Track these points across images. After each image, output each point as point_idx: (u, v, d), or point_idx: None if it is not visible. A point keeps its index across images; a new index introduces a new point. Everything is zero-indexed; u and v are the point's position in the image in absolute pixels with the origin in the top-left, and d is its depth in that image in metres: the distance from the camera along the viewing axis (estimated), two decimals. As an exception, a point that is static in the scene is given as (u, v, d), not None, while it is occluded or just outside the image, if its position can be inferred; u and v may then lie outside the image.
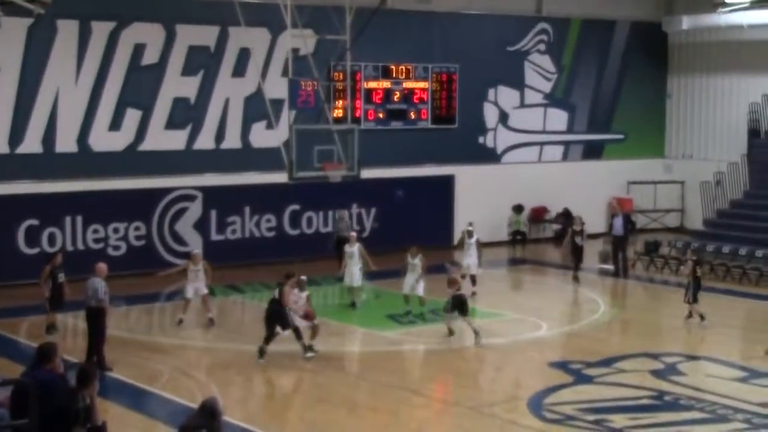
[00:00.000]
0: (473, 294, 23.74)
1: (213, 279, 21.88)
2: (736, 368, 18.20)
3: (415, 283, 21.62)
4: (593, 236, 32.73)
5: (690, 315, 21.48)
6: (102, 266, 17.96)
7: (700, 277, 21.70)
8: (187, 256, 25.63)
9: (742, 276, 26.28)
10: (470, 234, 24.18)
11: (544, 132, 33.95)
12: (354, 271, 22.60)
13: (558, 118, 34.17)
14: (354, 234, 23.94)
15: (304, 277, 18.81)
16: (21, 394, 9.80)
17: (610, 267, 27.43)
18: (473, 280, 23.95)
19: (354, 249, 22.83)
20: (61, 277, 19.79)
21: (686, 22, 34.40)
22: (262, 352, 18.10)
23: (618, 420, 15.08)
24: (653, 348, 19.49)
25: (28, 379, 9.68)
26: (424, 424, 15.18)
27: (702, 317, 21.23)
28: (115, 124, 26.54)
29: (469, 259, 24.05)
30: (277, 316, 18.11)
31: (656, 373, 17.65)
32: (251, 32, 24.92)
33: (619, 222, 27.58)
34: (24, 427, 9.26)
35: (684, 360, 18.61)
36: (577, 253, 26.11)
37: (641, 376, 17.47)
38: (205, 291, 21.22)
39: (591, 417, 15.22)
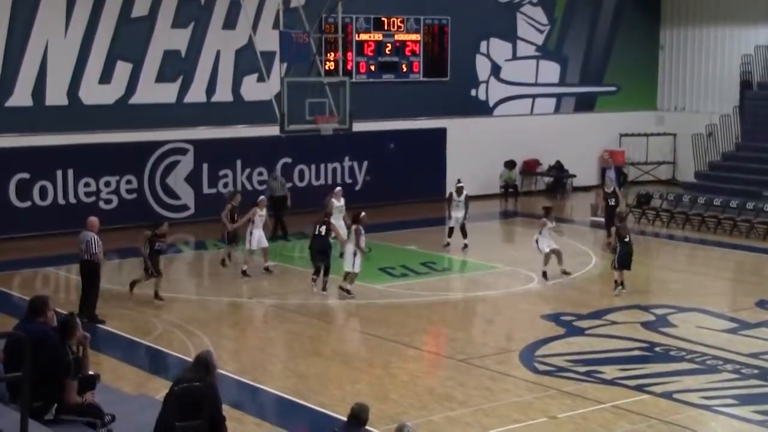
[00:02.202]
0: (465, 246, 23.80)
1: (206, 232, 21.84)
2: (726, 319, 18.32)
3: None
4: (585, 188, 32.89)
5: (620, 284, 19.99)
6: (93, 220, 17.93)
7: (630, 242, 20.31)
8: (178, 209, 25.75)
9: (733, 228, 26.37)
10: (459, 191, 24.08)
11: (536, 84, 33.86)
12: (341, 224, 22.37)
13: (550, 71, 34.05)
14: (340, 188, 23.94)
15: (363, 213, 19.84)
16: (14, 348, 9.82)
17: (601, 219, 27.44)
18: (464, 232, 23.97)
19: (342, 203, 22.80)
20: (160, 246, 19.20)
21: (679, -28, 34.28)
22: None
23: (609, 371, 15.20)
24: (644, 300, 19.60)
25: (21, 333, 9.69)
26: (416, 376, 15.25)
27: (621, 285, 19.97)
28: (106, 77, 26.39)
29: (458, 213, 24.05)
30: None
31: (647, 325, 17.76)
32: (242, -16, 24.79)
33: (611, 175, 27.57)
34: (17, 380, 9.27)
35: (674, 312, 18.70)
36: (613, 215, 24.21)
37: (632, 328, 17.59)
38: (266, 244, 21.61)
39: (582, 368, 15.34)
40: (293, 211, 25.35)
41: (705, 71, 34.89)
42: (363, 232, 19.41)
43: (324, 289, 19.78)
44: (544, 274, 21.07)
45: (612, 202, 24.65)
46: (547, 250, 21.15)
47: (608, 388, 14.46)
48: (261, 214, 21.65)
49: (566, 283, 21.01)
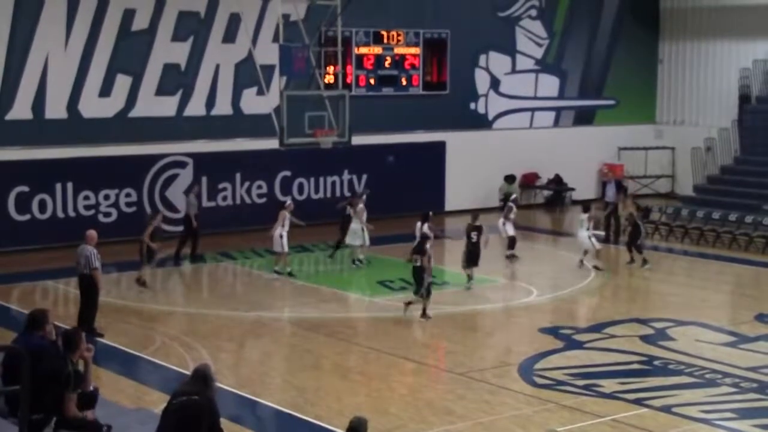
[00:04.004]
0: (514, 257, 24.41)
1: (204, 246, 21.89)
2: (724, 333, 18.32)
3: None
4: (584, 202, 32.83)
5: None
6: (92, 233, 17.91)
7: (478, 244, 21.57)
8: (177, 222, 25.73)
9: (731, 241, 26.38)
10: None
11: (535, 98, 33.89)
12: (357, 228, 23.38)
13: (549, 84, 34.09)
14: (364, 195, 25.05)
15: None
16: (13, 361, 9.82)
17: (600, 233, 27.47)
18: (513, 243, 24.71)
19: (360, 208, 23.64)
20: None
21: (677, -14, 34.37)
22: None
23: (608, 385, 15.20)
24: (643, 313, 19.60)
25: (20, 346, 9.69)
26: (415, 389, 15.25)
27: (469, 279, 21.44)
28: (106, 90, 26.42)
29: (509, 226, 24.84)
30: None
31: (646, 339, 17.76)
32: (241, -2, 24.86)
33: (612, 189, 27.63)
34: (16, 393, 9.27)
35: (673, 325, 18.70)
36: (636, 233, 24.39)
37: (631, 342, 17.58)
38: (287, 249, 22.50)
39: (581, 382, 15.34)
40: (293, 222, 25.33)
41: (704, 85, 34.93)
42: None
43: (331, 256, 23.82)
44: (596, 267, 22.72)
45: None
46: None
47: (607, 402, 14.46)
48: (289, 217, 22.47)
49: (565, 297, 21.02)
